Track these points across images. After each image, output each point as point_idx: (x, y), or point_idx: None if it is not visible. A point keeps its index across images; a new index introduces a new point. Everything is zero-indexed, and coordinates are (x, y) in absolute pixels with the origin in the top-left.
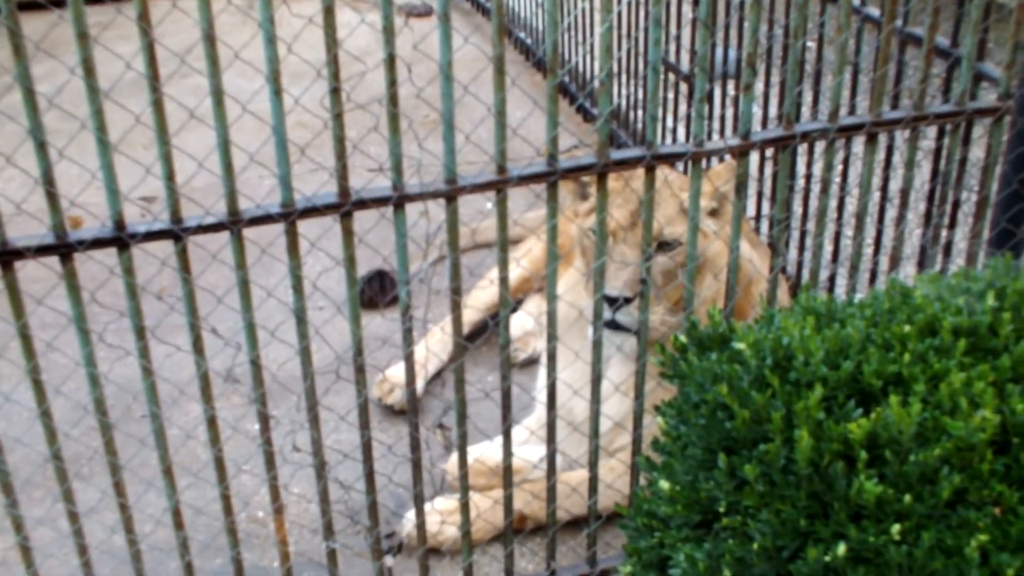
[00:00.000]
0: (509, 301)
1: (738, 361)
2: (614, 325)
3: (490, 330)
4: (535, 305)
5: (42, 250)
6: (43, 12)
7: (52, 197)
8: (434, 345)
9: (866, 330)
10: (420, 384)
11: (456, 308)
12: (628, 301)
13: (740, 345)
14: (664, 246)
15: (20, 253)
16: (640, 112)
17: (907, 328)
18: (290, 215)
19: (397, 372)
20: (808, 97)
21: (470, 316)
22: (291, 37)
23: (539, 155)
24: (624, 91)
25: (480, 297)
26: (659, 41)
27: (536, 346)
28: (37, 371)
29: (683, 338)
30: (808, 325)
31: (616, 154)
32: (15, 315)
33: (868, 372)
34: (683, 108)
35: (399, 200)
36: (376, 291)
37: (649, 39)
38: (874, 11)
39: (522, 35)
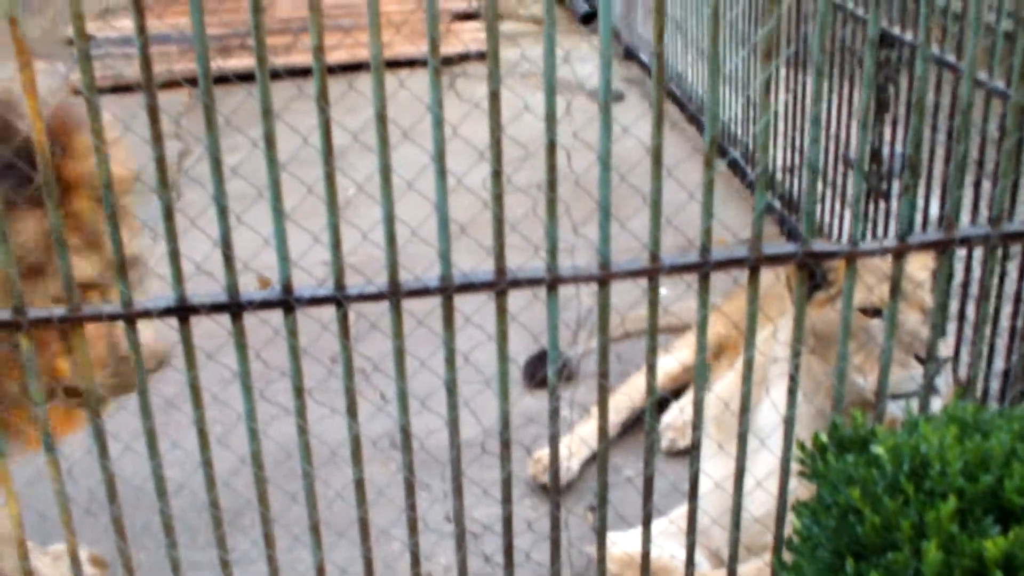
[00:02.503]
0: (655, 388)
1: (875, 465)
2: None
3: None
4: None
5: (216, 308)
6: (234, 87)
7: (228, 259)
8: (590, 428)
9: (1011, 444)
10: (575, 464)
11: (603, 392)
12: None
13: (878, 449)
14: (876, 312)
15: (196, 309)
16: (823, 204)
17: None
18: (447, 289)
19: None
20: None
21: (628, 402)
22: (464, 115)
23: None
24: (798, 181)
25: (639, 384)
26: (817, 139)
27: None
28: (203, 421)
29: (823, 437)
30: (949, 434)
31: (769, 248)
32: (187, 367)
33: (1009, 488)
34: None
35: (552, 282)
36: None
37: (808, 137)
38: None
39: (702, 118)
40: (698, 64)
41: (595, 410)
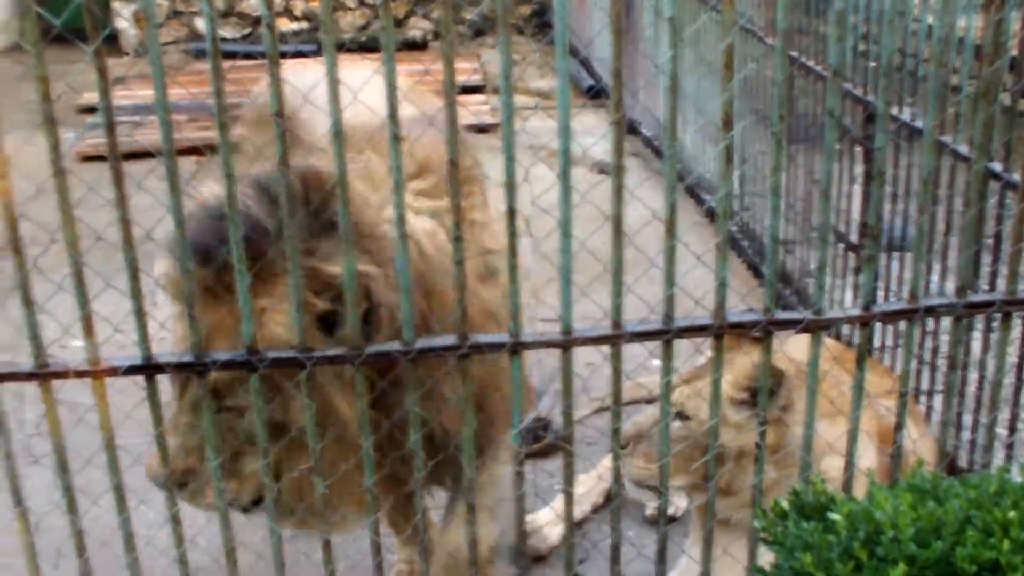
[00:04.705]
0: (619, 453)
1: (831, 531)
2: None
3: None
4: None
5: (181, 367)
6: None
7: (192, 320)
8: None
9: (966, 511)
10: (555, 532)
11: (568, 456)
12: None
13: (835, 516)
14: (680, 415)
15: (162, 368)
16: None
17: (1011, 514)
18: (409, 353)
19: (538, 517)
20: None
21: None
22: None
23: (704, 309)
24: (795, 253)
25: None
26: (777, 209)
27: (680, 504)
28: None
29: (784, 504)
30: (903, 501)
31: (733, 316)
32: (154, 425)
33: (961, 556)
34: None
35: (514, 347)
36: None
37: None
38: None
39: (701, 192)
40: (697, 137)
41: (581, 477)
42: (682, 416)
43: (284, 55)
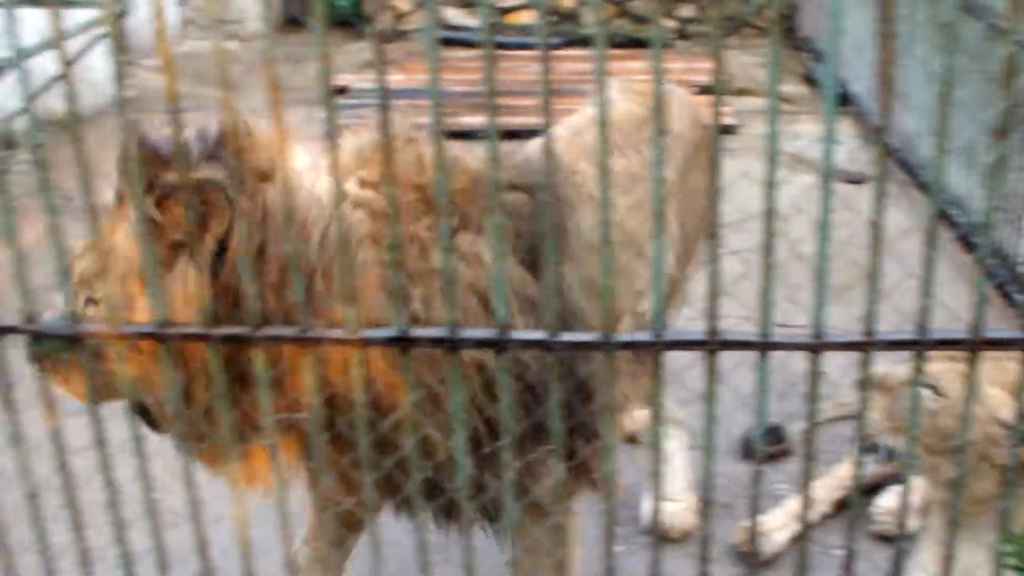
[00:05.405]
0: (862, 463)
1: None
2: None
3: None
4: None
5: (435, 342)
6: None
7: (396, 295)
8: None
9: None
10: (782, 537)
11: (808, 461)
12: None
13: None
14: (932, 387)
15: (414, 341)
16: None
17: None
18: (656, 344)
19: (765, 520)
20: None
21: (846, 480)
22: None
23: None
24: None
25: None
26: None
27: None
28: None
29: None
30: None
31: (992, 333)
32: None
33: None
34: None
35: (763, 346)
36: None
37: None
38: None
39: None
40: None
41: (814, 484)
42: (935, 390)
43: (528, 47)
